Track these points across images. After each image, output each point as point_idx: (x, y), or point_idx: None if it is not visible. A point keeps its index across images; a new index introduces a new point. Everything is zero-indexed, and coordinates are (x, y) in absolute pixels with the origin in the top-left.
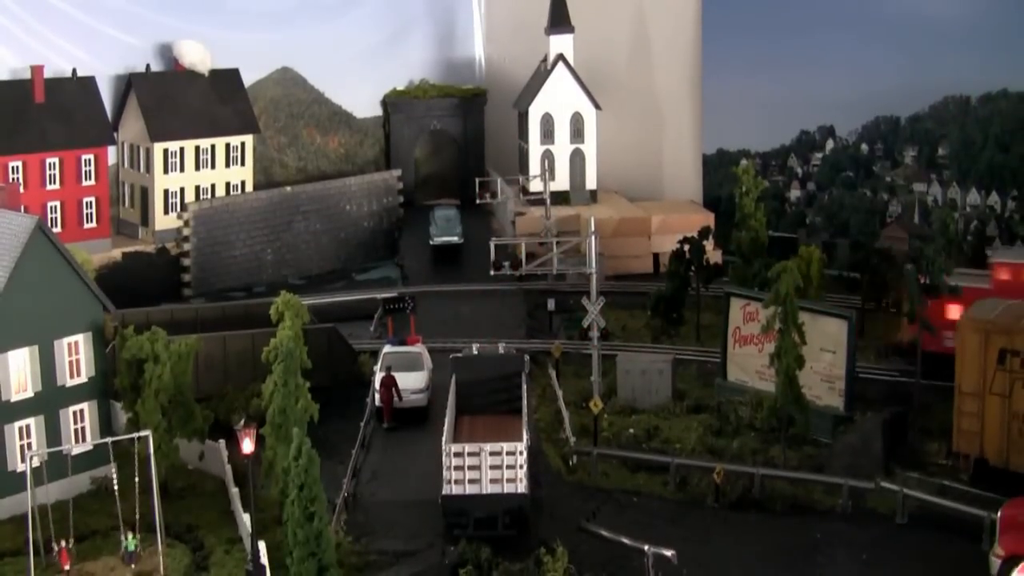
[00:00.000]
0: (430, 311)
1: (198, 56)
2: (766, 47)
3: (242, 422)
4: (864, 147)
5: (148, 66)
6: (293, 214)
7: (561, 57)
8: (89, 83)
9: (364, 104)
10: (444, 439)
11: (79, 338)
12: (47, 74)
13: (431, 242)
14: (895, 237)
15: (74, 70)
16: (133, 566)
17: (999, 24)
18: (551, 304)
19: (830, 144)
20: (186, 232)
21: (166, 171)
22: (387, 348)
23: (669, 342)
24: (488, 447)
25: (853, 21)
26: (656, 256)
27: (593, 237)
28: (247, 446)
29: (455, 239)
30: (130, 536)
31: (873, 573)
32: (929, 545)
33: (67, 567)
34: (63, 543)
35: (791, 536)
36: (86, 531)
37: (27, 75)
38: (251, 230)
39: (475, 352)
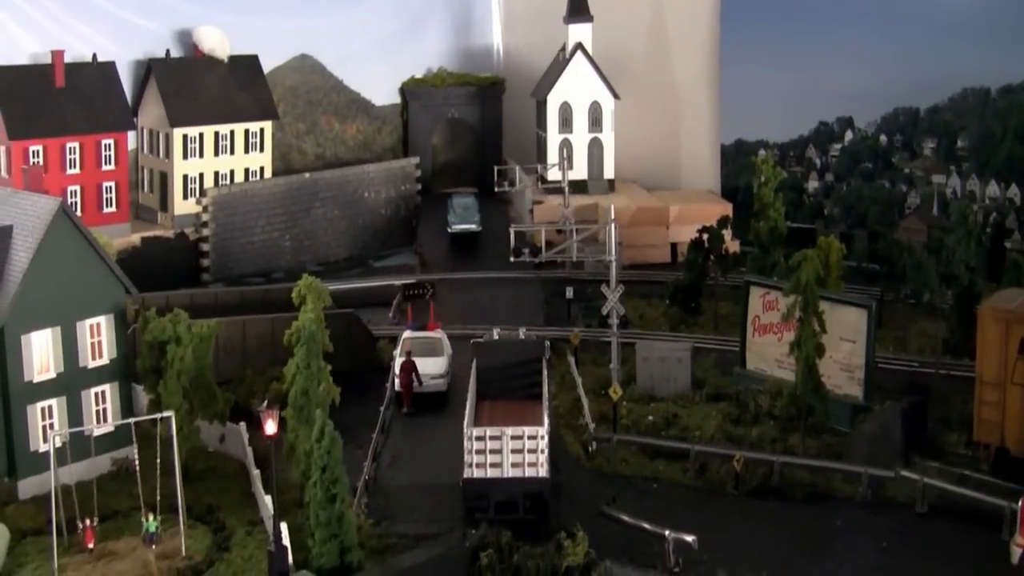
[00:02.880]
0: (448, 298)
1: (217, 42)
2: (785, 37)
3: (265, 403)
4: (883, 138)
5: (168, 52)
6: (311, 201)
7: (580, 46)
8: (109, 68)
9: (382, 92)
10: (466, 423)
11: (101, 320)
12: (67, 59)
13: (449, 230)
14: (913, 229)
15: (94, 55)
16: (154, 547)
17: (1019, 16)
18: (569, 292)
19: (849, 135)
20: (205, 218)
21: (185, 156)
22: (407, 333)
23: (687, 331)
24: (510, 431)
25: (873, 12)
26: (674, 246)
27: (612, 225)
28: (270, 427)
29: (473, 227)
30: (151, 517)
31: (893, 561)
32: (949, 534)
33: (91, 545)
34: (88, 521)
35: (811, 524)
36: (107, 511)
37: (48, 60)
38: (269, 216)
39: (496, 337)
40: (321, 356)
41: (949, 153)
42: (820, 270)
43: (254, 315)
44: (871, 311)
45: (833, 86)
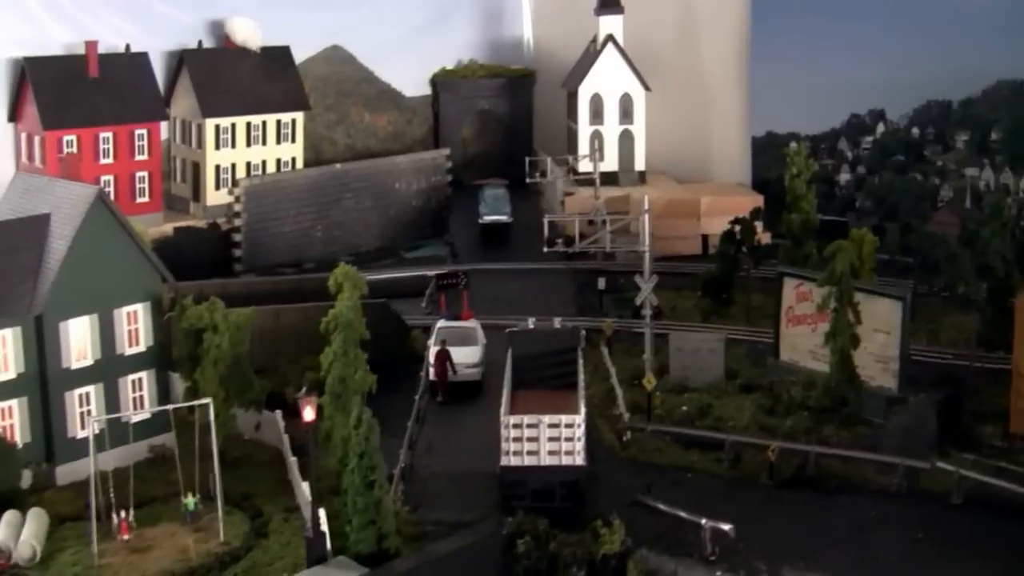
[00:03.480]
0: (480, 289)
1: (249, 33)
2: (816, 29)
3: (304, 390)
4: (915, 131)
5: (200, 43)
6: (342, 191)
7: (611, 38)
8: (142, 59)
9: (412, 83)
10: (502, 411)
11: (138, 308)
12: (101, 50)
13: (480, 221)
14: (946, 222)
15: (127, 46)
16: (192, 526)
17: None
18: (601, 283)
19: (880, 128)
20: (237, 208)
21: (217, 147)
22: (441, 323)
23: (718, 322)
24: (547, 419)
25: (905, 3)
26: (704, 238)
27: (646, 216)
28: (308, 414)
29: (504, 218)
30: (190, 496)
31: (928, 552)
32: (984, 526)
33: (126, 537)
34: (123, 514)
35: (845, 514)
36: (145, 498)
37: (81, 51)
38: (301, 207)
39: (531, 327)
40: (358, 344)
41: (982, 146)
42: (855, 260)
43: (287, 304)
44: (906, 302)
45: (865, 78)
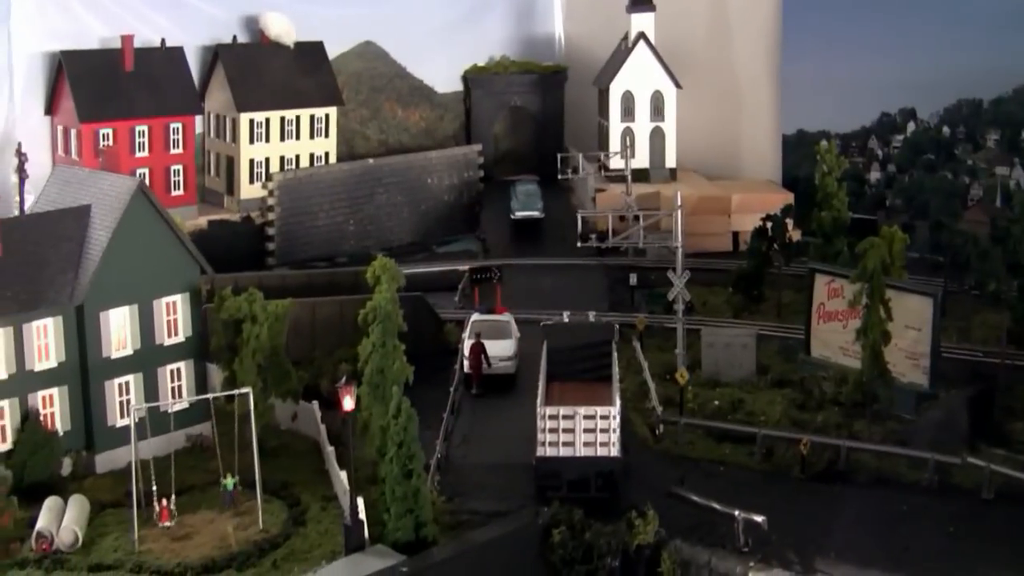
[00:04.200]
0: (512, 283)
1: (283, 28)
2: (847, 26)
3: (343, 379)
4: (946, 130)
5: (235, 37)
6: (375, 186)
7: (642, 35)
8: (177, 53)
9: (444, 79)
10: (539, 402)
11: (177, 298)
12: (136, 44)
13: (512, 216)
14: (976, 220)
15: (162, 40)
16: (232, 507)
17: None
18: (633, 279)
19: (911, 126)
20: (271, 202)
21: (251, 141)
22: (475, 316)
23: (749, 318)
24: (582, 411)
25: (937, 2)
26: (735, 235)
27: (679, 212)
28: (348, 403)
29: (536, 213)
30: (229, 477)
31: (959, 546)
32: (1016, 521)
33: (167, 523)
34: (164, 501)
35: (877, 508)
36: (183, 486)
37: (117, 45)
38: (334, 201)
39: (566, 320)
40: (396, 335)
41: (1013, 144)
42: (887, 257)
43: (323, 297)
44: (937, 299)
45: (896, 77)
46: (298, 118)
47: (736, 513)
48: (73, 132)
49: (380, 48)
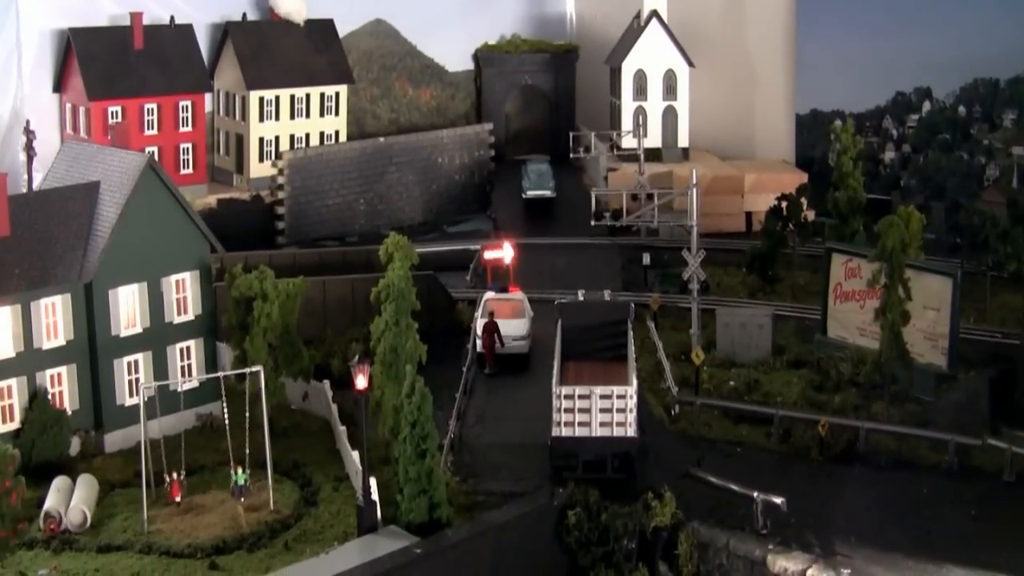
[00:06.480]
0: (524, 263)
1: (294, 6)
2: (862, 5)
3: (356, 357)
4: (961, 109)
5: (244, 15)
6: (386, 165)
7: (655, 13)
8: (186, 31)
9: (456, 58)
10: (554, 382)
11: (187, 276)
12: (146, 21)
13: (524, 195)
14: (993, 201)
15: (172, 17)
16: (243, 500)
17: None
18: (646, 258)
19: (926, 106)
20: (280, 180)
21: (261, 119)
22: (488, 295)
23: (764, 299)
24: (599, 390)
25: None
26: (748, 215)
27: (695, 190)
28: (361, 381)
29: (548, 193)
30: (239, 471)
31: (982, 529)
32: None
33: (178, 499)
34: (175, 475)
35: (897, 490)
36: (194, 466)
37: (126, 22)
38: (344, 180)
39: (581, 299)
40: (409, 314)
41: None
42: (905, 236)
43: (334, 276)
44: (956, 279)
45: (911, 56)
46: (308, 96)
47: (755, 495)
48: (82, 110)
49: (391, 26)
